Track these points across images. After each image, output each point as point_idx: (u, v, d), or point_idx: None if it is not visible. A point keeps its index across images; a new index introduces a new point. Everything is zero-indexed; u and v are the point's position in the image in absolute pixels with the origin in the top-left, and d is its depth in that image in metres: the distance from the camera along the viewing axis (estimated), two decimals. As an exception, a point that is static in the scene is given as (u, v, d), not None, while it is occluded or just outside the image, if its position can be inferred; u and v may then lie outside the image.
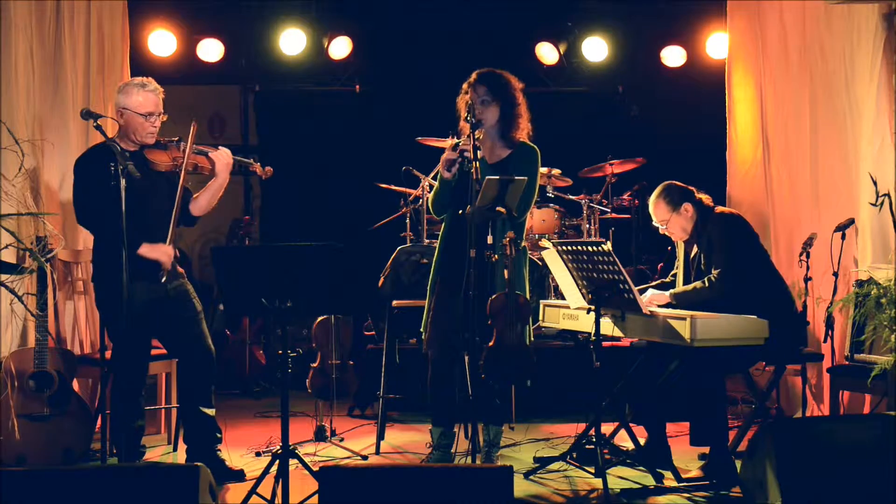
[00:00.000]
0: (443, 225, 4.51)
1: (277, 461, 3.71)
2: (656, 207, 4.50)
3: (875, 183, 3.91)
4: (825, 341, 4.89)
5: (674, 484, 4.11)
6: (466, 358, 4.23)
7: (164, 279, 4.21)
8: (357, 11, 7.57)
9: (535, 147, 4.43)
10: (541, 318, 4.73)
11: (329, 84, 8.10)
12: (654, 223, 4.56)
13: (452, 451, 4.41)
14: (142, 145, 4.25)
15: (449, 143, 4.37)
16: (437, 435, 4.44)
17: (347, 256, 3.65)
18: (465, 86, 4.40)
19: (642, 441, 4.36)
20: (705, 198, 4.50)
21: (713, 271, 4.29)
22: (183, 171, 4.25)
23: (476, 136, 4.09)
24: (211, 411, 4.39)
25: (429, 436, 4.53)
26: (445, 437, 4.43)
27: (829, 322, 4.87)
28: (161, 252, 4.20)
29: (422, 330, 4.47)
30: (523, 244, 4.41)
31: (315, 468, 3.79)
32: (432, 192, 4.47)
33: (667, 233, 4.53)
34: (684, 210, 4.44)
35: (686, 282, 4.52)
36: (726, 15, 6.30)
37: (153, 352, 4.53)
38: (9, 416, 4.26)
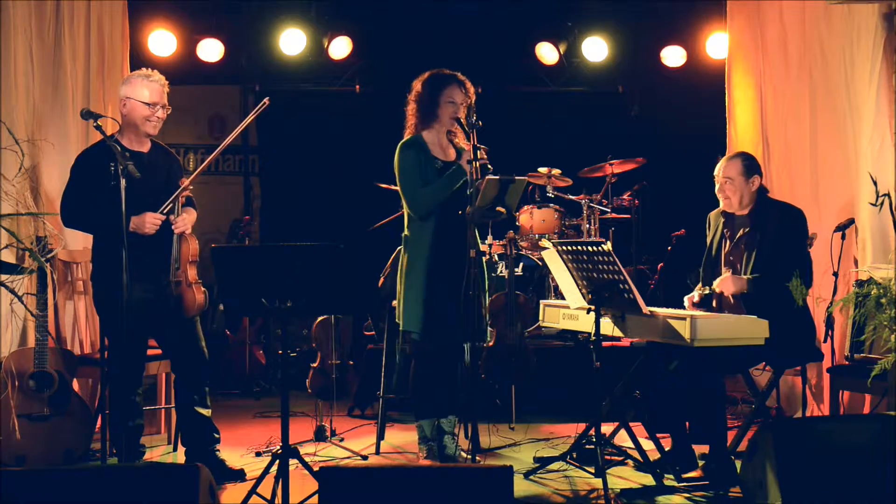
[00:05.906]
0: (426, 224, 4.41)
1: (277, 461, 3.72)
2: (731, 163, 4.42)
3: (875, 183, 3.90)
4: (825, 341, 4.88)
5: (674, 484, 4.12)
6: (466, 357, 4.24)
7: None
8: (357, 11, 7.56)
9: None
10: (541, 318, 4.72)
11: (329, 84, 8.11)
12: (716, 176, 4.46)
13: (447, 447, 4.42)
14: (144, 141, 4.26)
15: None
16: (430, 428, 4.45)
17: (347, 256, 3.65)
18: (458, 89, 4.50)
19: (642, 441, 4.35)
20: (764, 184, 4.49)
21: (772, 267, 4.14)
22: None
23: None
24: (206, 412, 4.39)
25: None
26: (436, 429, 4.45)
27: (829, 322, 4.87)
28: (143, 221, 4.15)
29: (408, 328, 4.40)
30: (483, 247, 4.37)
31: (315, 468, 3.78)
32: (430, 192, 4.37)
33: (720, 193, 4.44)
34: (752, 182, 4.39)
35: (716, 257, 4.47)
36: (726, 15, 6.30)
37: (152, 352, 4.53)
38: (9, 416, 4.26)
